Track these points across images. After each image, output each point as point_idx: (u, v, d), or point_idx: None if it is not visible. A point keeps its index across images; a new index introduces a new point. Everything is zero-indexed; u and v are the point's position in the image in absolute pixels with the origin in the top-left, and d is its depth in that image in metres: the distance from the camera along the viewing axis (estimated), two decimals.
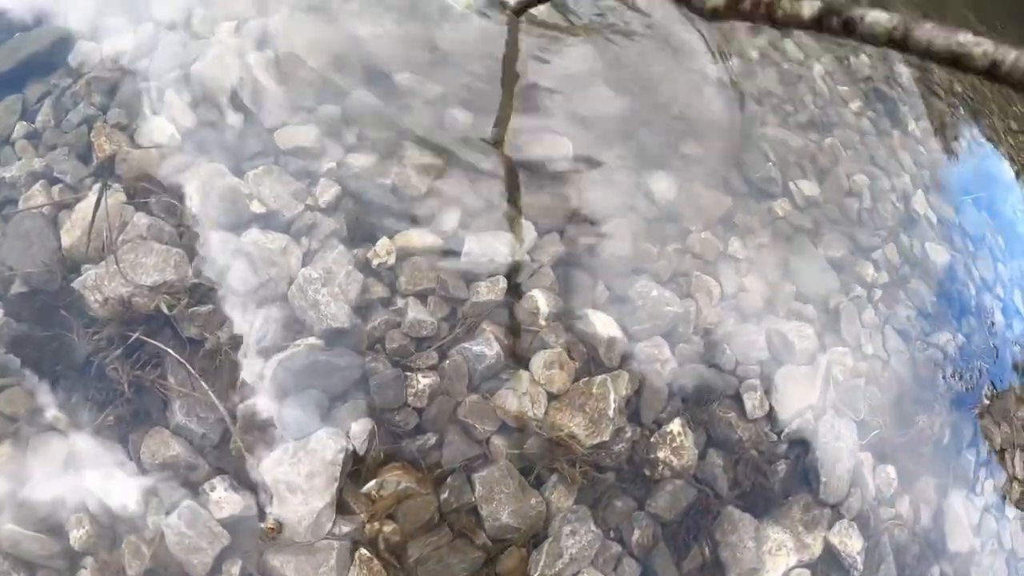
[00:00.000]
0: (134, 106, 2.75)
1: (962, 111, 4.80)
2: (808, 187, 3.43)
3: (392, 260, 2.54)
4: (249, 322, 2.40)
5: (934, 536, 3.04)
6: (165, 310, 2.35)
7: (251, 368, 2.35)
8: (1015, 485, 3.44)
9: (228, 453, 2.26)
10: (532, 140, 3.00)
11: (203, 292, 2.41)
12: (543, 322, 2.58)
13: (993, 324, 3.74)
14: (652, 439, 2.56)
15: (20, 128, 2.74)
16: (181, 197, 2.55)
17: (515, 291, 2.63)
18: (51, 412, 2.27)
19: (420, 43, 3.15)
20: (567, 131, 3.05)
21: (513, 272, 2.65)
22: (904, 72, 4.59)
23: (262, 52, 2.90)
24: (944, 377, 3.33)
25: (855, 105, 4.07)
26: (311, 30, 3.04)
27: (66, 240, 2.47)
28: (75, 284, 2.37)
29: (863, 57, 4.42)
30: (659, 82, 3.46)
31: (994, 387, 3.54)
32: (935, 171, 4.14)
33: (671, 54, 3.62)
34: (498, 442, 2.40)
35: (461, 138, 2.90)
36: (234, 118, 2.73)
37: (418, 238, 2.61)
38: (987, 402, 3.47)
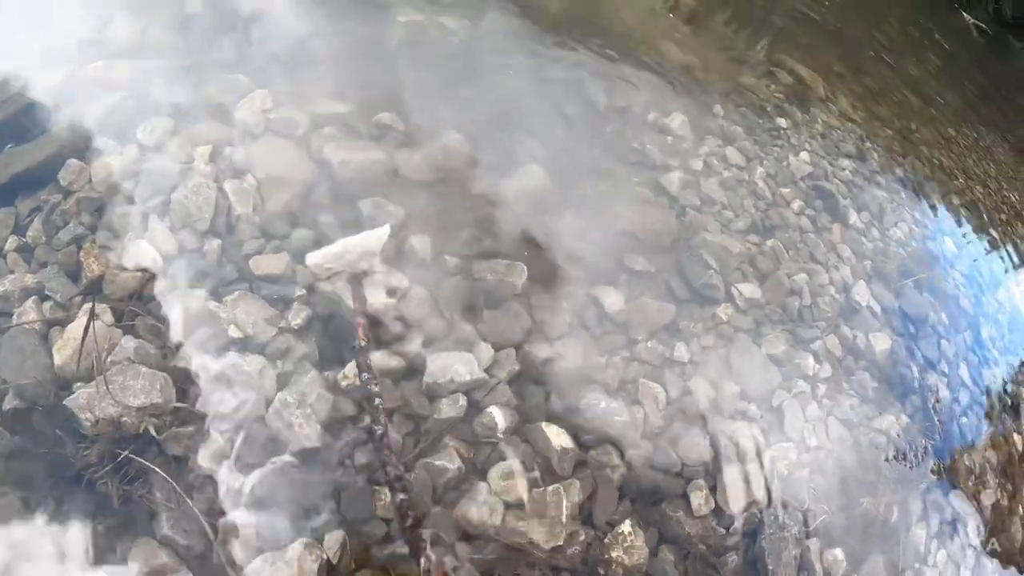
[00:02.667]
0: (120, 229, 2.88)
1: (903, 195, 5.02)
2: (749, 290, 3.60)
3: (359, 382, 2.69)
4: (229, 441, 2.54)
5: None
6: (154, 433, 2.49)
7: (231, 484, 2.48)
8: (969, 552, 3.60)
9: (211, 562, 2.38)
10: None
11: (186, 414, 2.55)
12: (500, 435, 2.74)
13: (938, 400, 3.88)
14: (605, 540, 2.70)
15: (12, 242, 2.84)
16: (164, 320, 2.69)
17: (474, 407, 2.79)
18: (43, 521, 2.36)
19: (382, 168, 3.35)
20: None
21: (472, 389, 2.82)
22: (847, 165, 4.81)
23: (238, 180, 3.06)
24: (888, 459, 3.48)
25: (796, 205, 4.25)
26: (284, 157, 3.22)
27: (58, 358, 2.57)
28: (67, 403, 2.47)
29: (803, 155, 4.65)
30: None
31: (940, 462, 3.70)
32: (876, 260, 4.31)
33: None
34: (461, 549, 2.55)
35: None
36: (212, 244, 2.88)
37: (384, 360, 2.77)
38: (934, 476, 3.64)
